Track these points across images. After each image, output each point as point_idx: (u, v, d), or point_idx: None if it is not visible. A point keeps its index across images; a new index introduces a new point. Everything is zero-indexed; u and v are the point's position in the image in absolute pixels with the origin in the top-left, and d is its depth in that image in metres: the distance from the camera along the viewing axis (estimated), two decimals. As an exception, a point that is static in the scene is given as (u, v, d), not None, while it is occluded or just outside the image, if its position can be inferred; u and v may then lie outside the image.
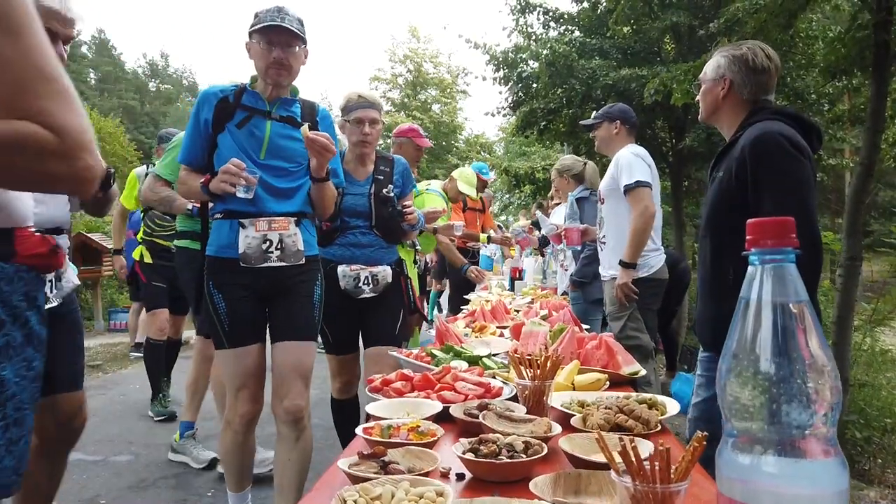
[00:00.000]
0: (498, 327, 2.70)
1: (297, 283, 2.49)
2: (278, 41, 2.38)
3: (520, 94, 8.76)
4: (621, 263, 3.59)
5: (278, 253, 2.42)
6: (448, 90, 28.81)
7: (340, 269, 3.02)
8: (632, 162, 3.62)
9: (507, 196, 15.73)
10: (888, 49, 4.08)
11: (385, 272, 3.07)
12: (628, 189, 3.58)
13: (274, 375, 2.46)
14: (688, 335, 7.24)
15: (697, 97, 2.45)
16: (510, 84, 8.93)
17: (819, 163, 7.63)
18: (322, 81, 78.06)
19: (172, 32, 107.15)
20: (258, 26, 2.35)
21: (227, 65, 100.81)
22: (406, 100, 28.72)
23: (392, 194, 3.13)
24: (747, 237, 0.66)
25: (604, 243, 3.89)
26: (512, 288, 4.91)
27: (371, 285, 3.03)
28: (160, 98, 56.68)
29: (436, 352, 1.83)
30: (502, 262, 9.71)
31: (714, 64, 2.34)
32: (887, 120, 5.10)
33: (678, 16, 6.96)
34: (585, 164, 4.74)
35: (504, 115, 11.26)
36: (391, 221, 3.08)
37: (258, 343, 2.48)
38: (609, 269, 3.82)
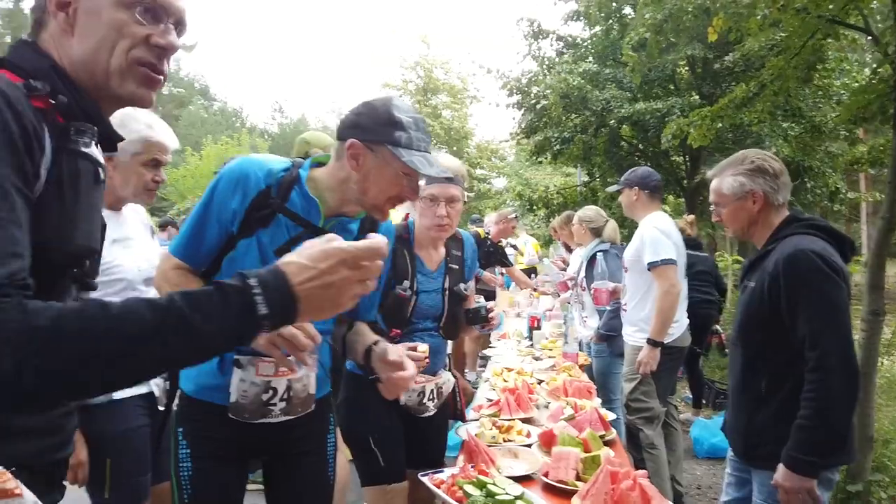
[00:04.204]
0: (522, 420, 2.71)
1: (304, 435, 1.87)
2: (411, 183, 1.68)
3: (533, 120, 8.78)
4: (649, 342, 3.64)
5: (283, 405, 1.74)
6: (458, 96, 28.83)
7: None
8: (656, 239, 3.66)
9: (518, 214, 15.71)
10: (910, 103, 4.05)
11: (448, 382, 2.56)
12: (653, 266, 3.62)
13: None
14: (709, 369, 7.19)
15: (718, 218, 2.40)
16: (523, 110, 8.95)
17: (837, 195, 7.59)
18: (332, 91, 78.35)
19: (184, 36, 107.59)
20: (408, 158, 1.58)
21: (237, 68, 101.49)
22: (417, 106, 28.77)
23: (467, 291, 2.59)
24: None
25: (625, 310, 3.94)
26: (530, 337, 4.91)
27: (436, 400, 2.49)
28: (173, 101, 56.99)
29: (469, 489, 1.85)
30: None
31: (733, 183, 2.30)
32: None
33: (693, 48, 6.95)
34: (607, 221, 4.76)
35: (518, 141, 11.29)
36: (457, 319, 2.55)
37: None
38: (628, 334, 3.89)
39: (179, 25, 1.11)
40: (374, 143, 1.60)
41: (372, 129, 1.60)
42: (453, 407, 2.68)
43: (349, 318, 1.94)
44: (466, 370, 6.39)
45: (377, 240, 0.98)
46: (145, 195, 2.21)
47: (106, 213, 2.09)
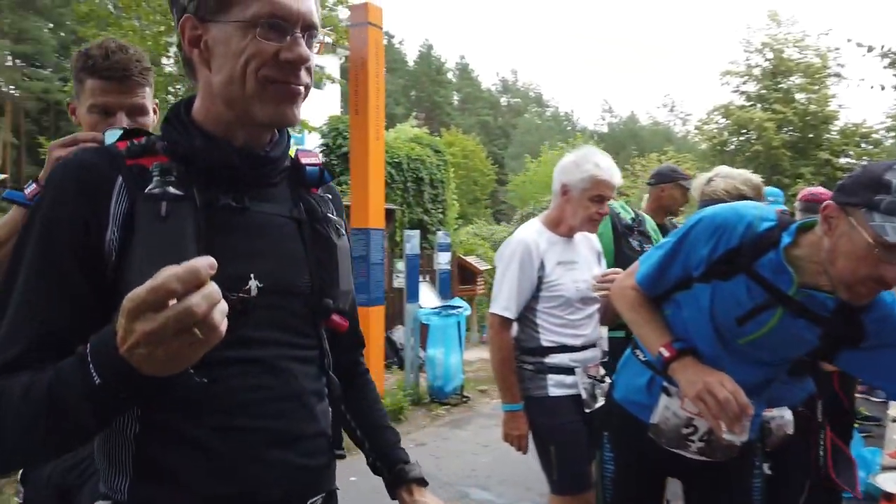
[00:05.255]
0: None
1: (724, 473, 1.85)
2: (891, 258, 1.36)
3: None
4: None
5: (701, 445, 1.75)
6: (816, 76, 25.28)
7: None
8: None
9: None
10: None
11: (783, 419, 2.23)
12: None
13: None
14: None
15: None
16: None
17: None
18: (664, 83, 75.53)
19: (522, 50, 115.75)
20: (879, 223, 1.33)
21: (567, 72, 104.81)
22: (764, 91, 26.09)
23: None
24: None
25: None
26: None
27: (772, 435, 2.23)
28: (510, 111, 61.59)
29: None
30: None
31: None
32: None
33: None
34: None
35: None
36: None
37: None
38: None
39: (309, 30, 1.02)
40: (849, 206, 1.39)
41: (851, 190, 1.41)
42: (815, 465, 2.35)
43: None
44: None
45: (160, 276, 0.71)
46: (589, 225, 2.54)
47: (558, 239, 2.53)
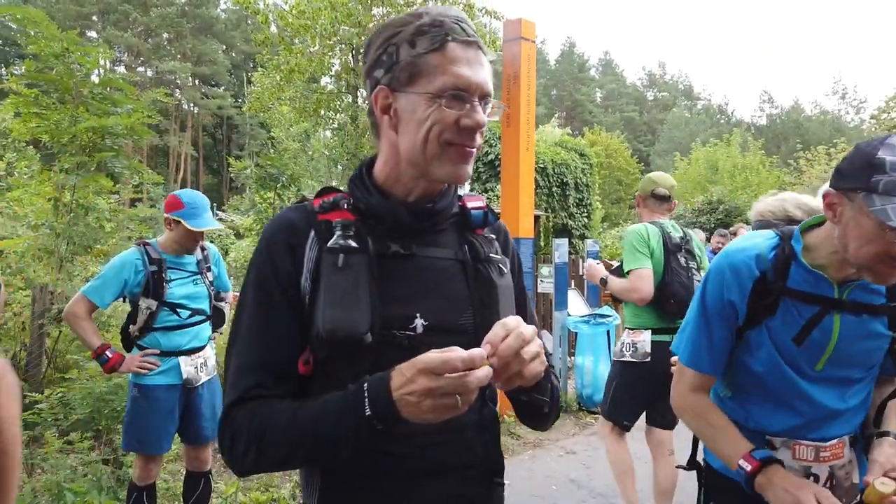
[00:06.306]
0: None
1: None
2: None
3: None
4: None
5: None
6: None
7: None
8: None
9: None
10: None
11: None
12: None
13: None
14: None
15: None
16: None
17: None
18: (835, 67, 68.90)
19: (669, 42, 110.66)
20: (880, 206, 1.34)
21: (720, 61, 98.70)
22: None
23: None
24: None
25: None
26: None
27: None
28: (657, 106, 59.19)
29: None
30: None
31: None
32: None
33: None
34: None
35: None
36: None
37: None
38: None
39: (484, 98, 1.13)
40: (849, 191, 1.41)
41: (848, 174, 1.42)
42: None
43: None
44: None
45: (453, 353, 0.93)
46: None
47: None
